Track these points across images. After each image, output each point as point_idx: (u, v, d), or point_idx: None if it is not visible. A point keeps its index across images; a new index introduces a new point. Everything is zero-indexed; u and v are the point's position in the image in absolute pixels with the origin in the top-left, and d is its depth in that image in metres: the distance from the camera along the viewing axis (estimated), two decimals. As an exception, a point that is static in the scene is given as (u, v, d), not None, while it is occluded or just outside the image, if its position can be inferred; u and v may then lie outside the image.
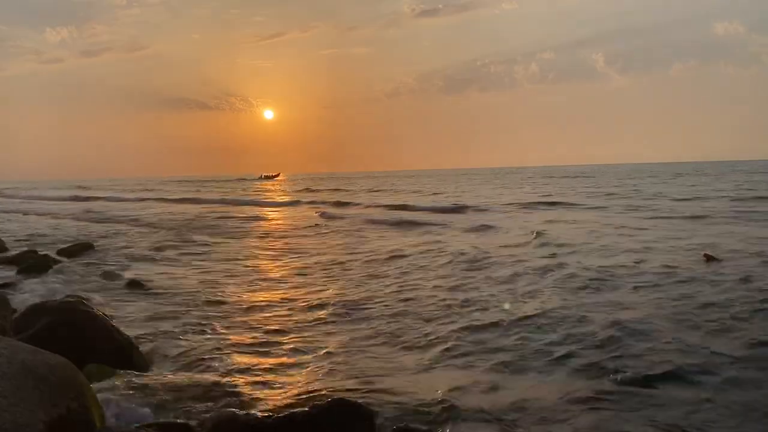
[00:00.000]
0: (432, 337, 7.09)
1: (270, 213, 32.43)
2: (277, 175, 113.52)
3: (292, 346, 6.89)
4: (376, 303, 8.93)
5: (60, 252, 14.85)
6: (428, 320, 7.87)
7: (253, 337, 7.22)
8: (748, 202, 26.73)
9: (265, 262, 13.97)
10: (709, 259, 11.47)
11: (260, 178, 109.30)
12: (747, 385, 5.31)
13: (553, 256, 12.65)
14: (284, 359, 6.40)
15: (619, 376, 5.52)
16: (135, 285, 10.39)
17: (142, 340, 6.87)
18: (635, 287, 9.28)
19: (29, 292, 9.71)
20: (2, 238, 16.10)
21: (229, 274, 12.05)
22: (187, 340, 7.11)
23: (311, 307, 8.79)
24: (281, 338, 7.20)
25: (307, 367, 6.09)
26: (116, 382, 5.07)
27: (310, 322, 7.97)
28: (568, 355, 6.19)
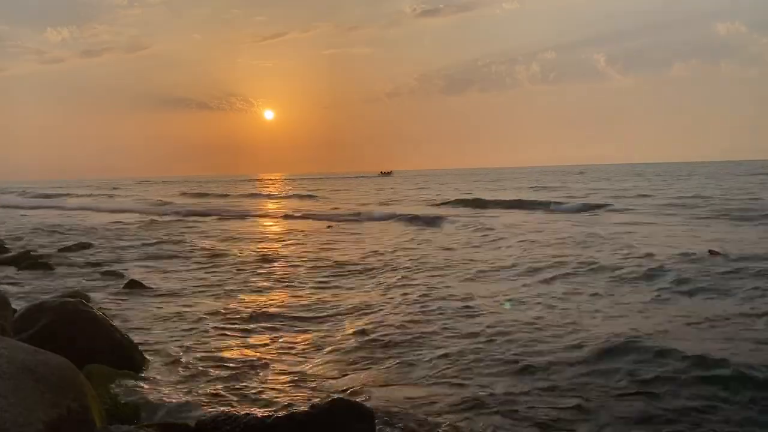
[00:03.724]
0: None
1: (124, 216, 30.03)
2: (390, 173, 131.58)
3: (293, 345, 6.90)
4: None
5: (60, 251, 14.87)
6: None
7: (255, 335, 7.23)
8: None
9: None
10: (713, 254, 11.85)
11: (379, 174, 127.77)
12: None
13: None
14: (284, 358, 6.41)
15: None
16: (135, 285, 10.38)
17: (143, 339, 6.87)
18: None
19: (29, 292, 9.72)
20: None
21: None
22: (188, 339, 7.12)
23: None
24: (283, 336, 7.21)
25: (308, 366, 6.11)
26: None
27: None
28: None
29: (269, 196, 53.49)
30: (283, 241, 18.56)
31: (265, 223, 26.61)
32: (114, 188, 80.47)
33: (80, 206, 40.04)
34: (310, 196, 49.08)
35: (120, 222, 25.47)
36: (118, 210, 35.32)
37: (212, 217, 29.25)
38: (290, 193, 57.69)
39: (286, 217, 29.61)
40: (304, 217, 29.03)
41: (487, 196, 37.84)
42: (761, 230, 16.75)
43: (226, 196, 54.98)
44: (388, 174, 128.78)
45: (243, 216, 30.18)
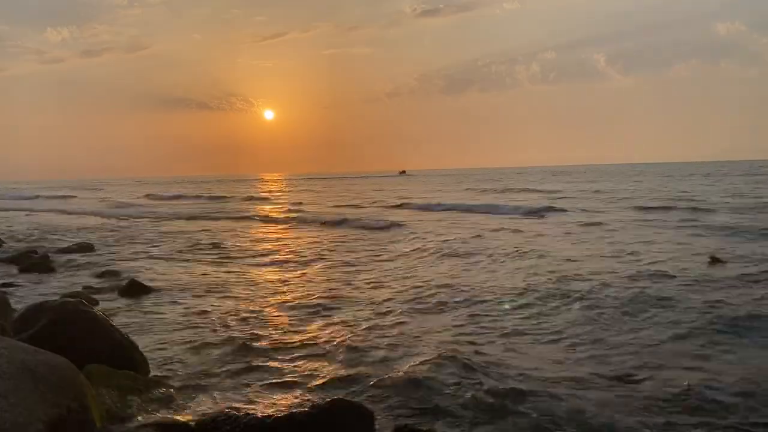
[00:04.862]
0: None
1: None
2: (404, 172, 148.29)
3: (293, 347, 6.90)
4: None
5: (60, 252, 14.86)
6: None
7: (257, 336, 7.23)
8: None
9: None
10: (714, 261, 11.67)
11: (399, 173, 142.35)
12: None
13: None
14: (284, 358, 6.40)
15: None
16: (135, 285, 10.36)
17: (144, 339, 6.86)
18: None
19: (29, 292, 9.72)
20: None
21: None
22: (188, 339, 7.12)
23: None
24: (282, 338, 7.21)
25: (308, 365, 6.11)
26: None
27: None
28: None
29: (243, 199, 51.95)
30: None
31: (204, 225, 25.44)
32: (95, 188, 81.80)
33: (43, 208, 39.54)
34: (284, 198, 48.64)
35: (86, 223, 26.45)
36: (80, 212, 35.36)
37: (147, 219, 29.16)
38: (263, 195, 56.69)
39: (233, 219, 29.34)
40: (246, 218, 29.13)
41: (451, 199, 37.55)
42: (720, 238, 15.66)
43: (199, 197, 53.71)
44: (403, 173, 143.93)
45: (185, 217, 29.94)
